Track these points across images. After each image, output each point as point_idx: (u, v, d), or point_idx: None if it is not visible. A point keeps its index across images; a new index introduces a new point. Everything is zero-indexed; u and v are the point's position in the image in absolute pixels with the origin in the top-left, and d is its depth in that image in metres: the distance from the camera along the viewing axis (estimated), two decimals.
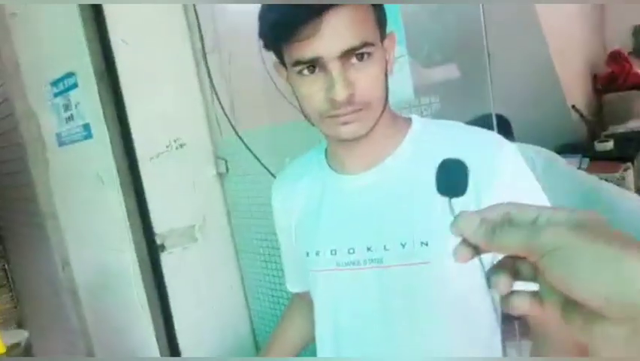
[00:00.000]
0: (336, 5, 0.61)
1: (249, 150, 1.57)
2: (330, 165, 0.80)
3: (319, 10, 0.60)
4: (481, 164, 0.64)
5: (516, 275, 0.35)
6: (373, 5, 0.66)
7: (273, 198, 0.90)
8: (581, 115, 2.86)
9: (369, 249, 0.72)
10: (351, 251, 0.74)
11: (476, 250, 0.35)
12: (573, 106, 2.82)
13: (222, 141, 1.71)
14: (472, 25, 1.02)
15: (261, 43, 0.69)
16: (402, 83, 1.11)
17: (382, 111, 0.70)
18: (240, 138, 1.59)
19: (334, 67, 0.63)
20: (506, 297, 0.35)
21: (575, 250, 0.30)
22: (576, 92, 2.93)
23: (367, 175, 0.75)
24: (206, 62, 1.62)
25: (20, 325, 2.99)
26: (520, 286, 0.35)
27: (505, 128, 1.78)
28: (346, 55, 0.63)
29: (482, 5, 0.98)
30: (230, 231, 1.78)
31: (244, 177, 1.68)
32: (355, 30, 0.63)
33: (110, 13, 1.50)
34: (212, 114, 1.72)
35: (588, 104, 3.06)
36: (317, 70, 0.65)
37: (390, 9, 1.12)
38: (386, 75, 0.70)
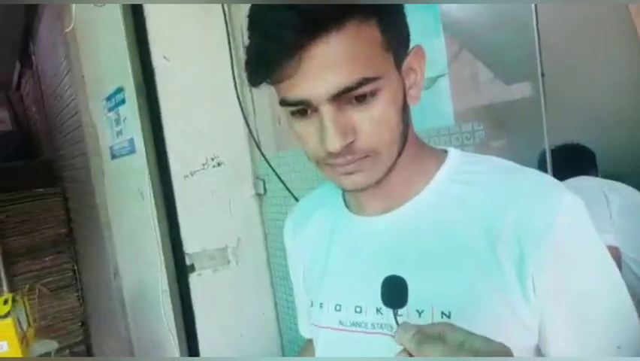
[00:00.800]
0: (322, 36, 0.47)
1: (274, 171, 1.48)
2: (345, 203, 0.67)
3: (297, 44, 0.47)
4: (529, 217, 0.52)
5: None
6: (379, 24, 0.50)
7: (284, 236, 0.79)
8: None
9: (378, 311, 0.59)
10: (358, 310, 0.61)
11: (411, 356, 0.43)
12: None
13: (261, 161, 1.64)
14: (527, 37, 0.85)
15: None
16: (440, 106, 0.95)
17: (398, 155, 0.56)
18: (265, 159, 1.52)
19: (326, 112, 0.50)
20: None
21: None
22: None
23: (385, 219, 0.61)
24: (234, 78, 1.56)
25: (84, 323, 3.16)
26: None
27: (588, 160, 1.50)
28: (340, 96, 0.50)
29: (535, 12, 0.80)
30: (266, 255, 1.69)
31: (283, 198, 1.59)
32: (349, 65, 0.48)
33: (153, 29, 1.49)
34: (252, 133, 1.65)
35: None
36: (309, 111, 0.52)
37: (429, 15, 0.97)
38: (405, 108, 0.55)
